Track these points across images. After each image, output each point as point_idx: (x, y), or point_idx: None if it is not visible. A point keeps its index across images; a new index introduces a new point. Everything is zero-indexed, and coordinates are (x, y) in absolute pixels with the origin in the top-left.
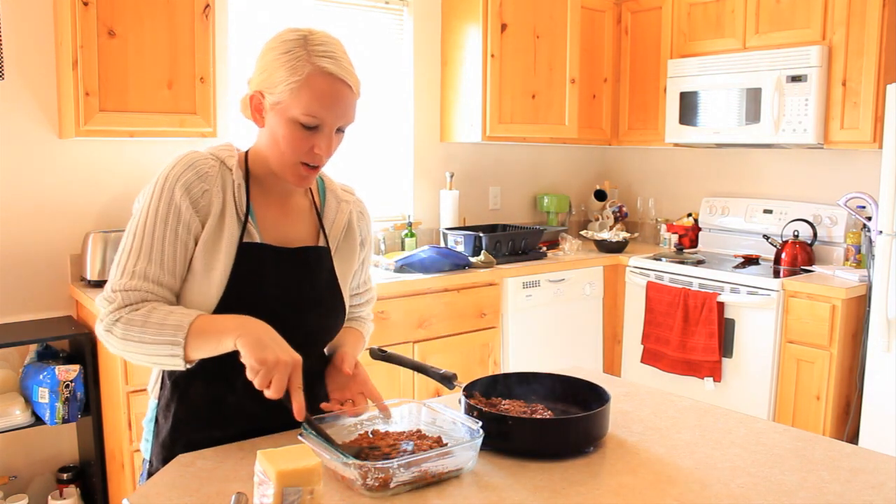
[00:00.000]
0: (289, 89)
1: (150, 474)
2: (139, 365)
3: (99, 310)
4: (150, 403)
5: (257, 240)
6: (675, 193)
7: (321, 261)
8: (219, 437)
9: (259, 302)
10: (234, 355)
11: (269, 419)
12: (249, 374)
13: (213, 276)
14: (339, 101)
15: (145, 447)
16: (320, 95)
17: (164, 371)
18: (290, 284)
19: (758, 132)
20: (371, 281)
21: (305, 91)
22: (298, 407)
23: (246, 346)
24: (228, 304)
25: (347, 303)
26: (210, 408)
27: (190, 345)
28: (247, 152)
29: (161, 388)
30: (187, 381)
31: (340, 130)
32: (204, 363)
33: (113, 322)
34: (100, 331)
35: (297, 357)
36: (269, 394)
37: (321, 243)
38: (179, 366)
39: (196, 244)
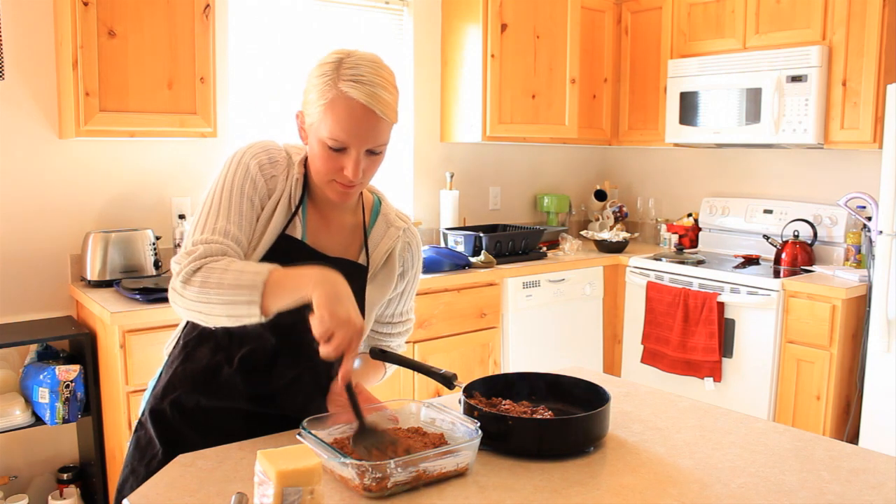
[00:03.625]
0: (318, 111)
1: (138, 425)
2: (214, 322)
3: (174, 268)
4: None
5: (299, 236)
6: (675, 193)
7: (356, 278)
8: (204, 404)
9: None
10: (244, 331)
11: (256, 401)
12: (315, 325)
13: (254, 256)
14: (360, 127)
15: (143, 405)
16: (340, 120)
17: (182, 332)
18: None
19: (758, 132)
20: (412, 313)
21: (329, 115)
22: (345, 372)
23: (322, 296)
24: None
25: (367, 329)
26: (205, 374)
27: (268, 294)
28: (306, 158)
29: (174, 348)
30: (196, 345)
31: (374, 153)
32: (216, 333)
33: (193, 271)
34: (176, 284)
35: (363, 323)
36: (325, 350)
37: (361, 261)
38: (255, 317)
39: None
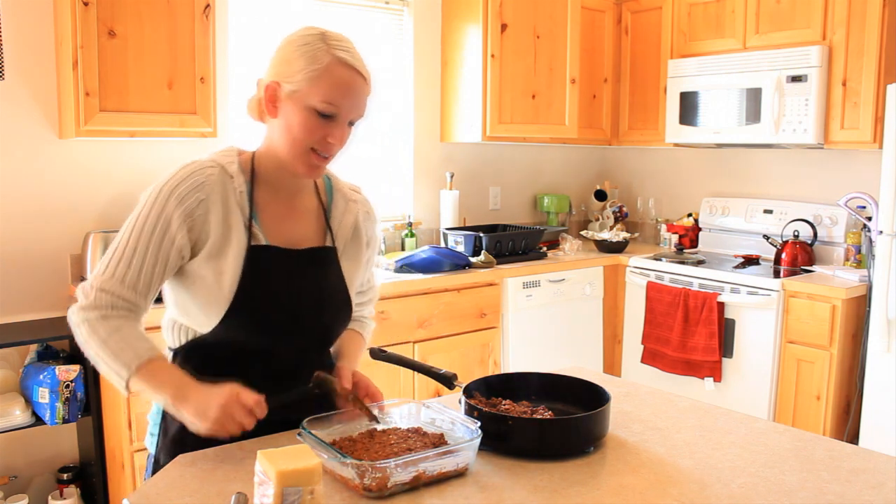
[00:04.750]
0: (307, 77)
1: (156, 472)
2: None
3: (78, 296)
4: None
5: (263, 243)
6: (675, 193)
7: (329, 261)
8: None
9: (269, 304)
10: (247, 350)
11: (278, 414)
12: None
13: (224, 280)
14: (355, 92)
15: (151, 442)
16: (339, 84)
17: (180, 355)
18: (298, 285)
19: (758, 132)
20: (374, 280)
21: (325, 79)
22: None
23: (191, 413)
24: (239, 307)
25: (354, 303)
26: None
27: (134, 381)
28: (254, 153)
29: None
30: (199, 377)
31: (351, 124)
32: (215, 358)
33: (82, 321)
34: (71, 318)
35: (231, 392)
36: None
37: (328, 243)
38: (123, 389)
39: (183, 257)
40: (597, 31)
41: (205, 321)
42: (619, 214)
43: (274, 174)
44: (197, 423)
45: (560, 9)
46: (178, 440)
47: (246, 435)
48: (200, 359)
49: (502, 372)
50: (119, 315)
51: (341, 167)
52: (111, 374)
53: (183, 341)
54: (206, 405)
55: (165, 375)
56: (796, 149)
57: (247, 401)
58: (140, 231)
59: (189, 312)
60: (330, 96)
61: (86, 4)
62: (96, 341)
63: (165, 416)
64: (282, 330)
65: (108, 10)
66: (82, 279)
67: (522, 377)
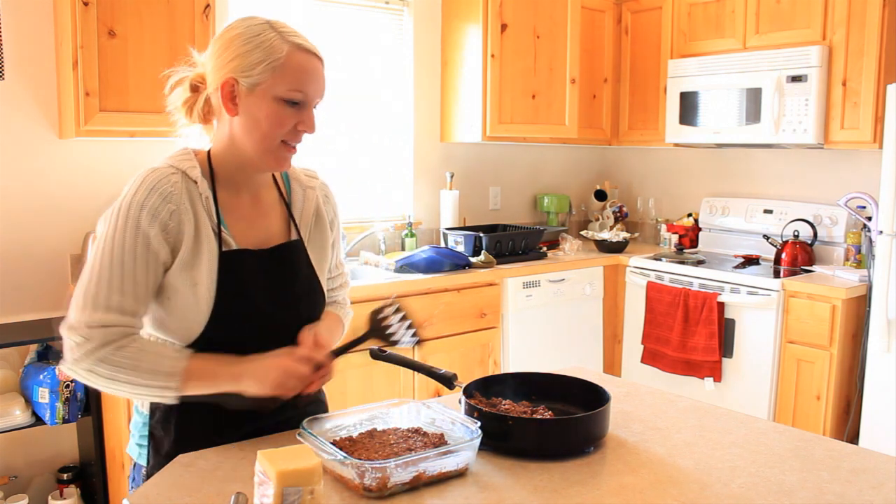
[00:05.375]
0: (270, 68)
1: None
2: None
3: (69, 345)
4: (137, 409)
5: (234, 247)
6: (675, 193)
7: (298, 255)
8: (223, 442)
9: (247, 308)
10: (231, 354)
11: (271, 417)
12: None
13: (199, 290)
14: (317, 75)
15: (138, 453)
16: (302, 70)
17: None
18: (272, 285)
19: (758, 132)
20: (343, 265)
21: (288, 68)
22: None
23: (258, 387)
24: (219, 315)
25: (326, 291)
26: (214, 415)
27: (184, 390)
28: (209, 153)
29: (155, 411)
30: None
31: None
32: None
33: (96, 362)
34: (76, 370)
35: (295, 362)
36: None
37: (293, 236)
38: (169, 399)
39: (166, 269)
40: (597, 31)
41: (185, 334)
42: (619, 214)
43: (234, 174)
44: (261, 392)
45: (560, 9)
46: (171, 456)
47: (245, 435)
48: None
49: (502, 372)
50: (132, 339)
51: (340, 168)
52: (155, 393)
53: None
54: (263, 375)
55: (210, 367)
56: (796, 149)
57: (301, 354)
58: (120, 253)
59: (167, 327)
60: (296, 83)
61: (86, 4)
62: (126, 372)
63: (153, 433)
64: (263, 331)
65: (108, 10)
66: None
67: (522, 377)
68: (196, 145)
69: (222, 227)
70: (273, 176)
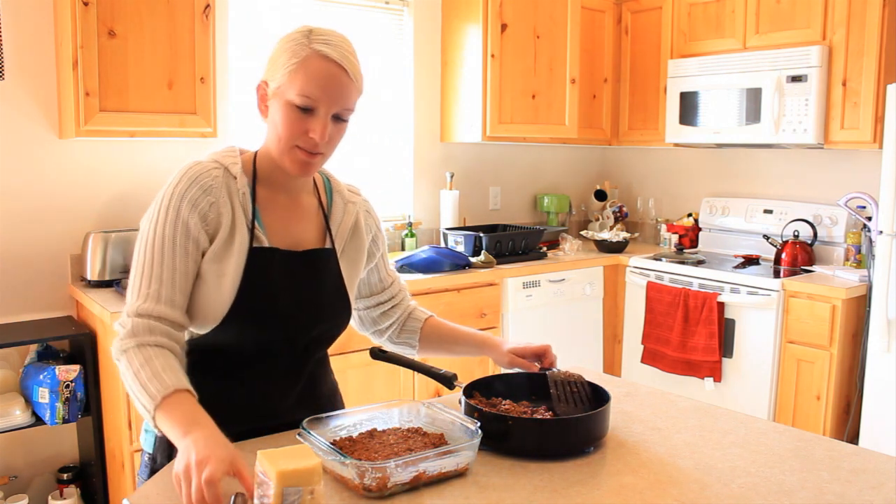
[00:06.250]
0: (287, 72)
1: (153, 471)
2: None
3: (117, 329)
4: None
5: (266, 244)
6: (675, 193)
7: (327, 263)
8: (227, 433)
9: (269, 307)
10: (241, 355)
11: (276, 415)
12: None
13: (224, 282)
14: (333, 84)
15: (146, 440)
16: (314, 76)
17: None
18: (298, 288)
19: (758, 132)
20: (395, 274)
21: (301, 72)
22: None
23: (182, 463)
24: (239, 309)
25: (353, 306)
26: (220, 404)
27: (159, 414)
28: (255, 153)
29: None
30: (196, 378)
31: (340, 120)
32: (212, 359)
33: (122, 352)
34: (113, 352)
35: (233, 452)
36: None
37: (328, 245)
38: (152, 422)
39: (204, 257)
40: (597, 31)
41: (202, 323)
42: (619, 214)
43: (273, 174)
44: (181, 460)
45: (560, 9)
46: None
47: (245, 435)
48: (196, 361)
49: (502, 372)
50: (156, 342)
51: (341, 168)
52: (141, 409)
53: None
54: (192, 449)
55: (183, 409)
56: (796, 149)
57: (208, 476)
58: (161, 244)
59: (188, 312)
60: (305, 89)
61: (86, 4)
62: (130, 374)
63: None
64: (280, 333)
65: (108, 10)
66: (82, 279)
67: (522, 377)
68: (248, 145)
69: (256, 224)
70: (315, 184)
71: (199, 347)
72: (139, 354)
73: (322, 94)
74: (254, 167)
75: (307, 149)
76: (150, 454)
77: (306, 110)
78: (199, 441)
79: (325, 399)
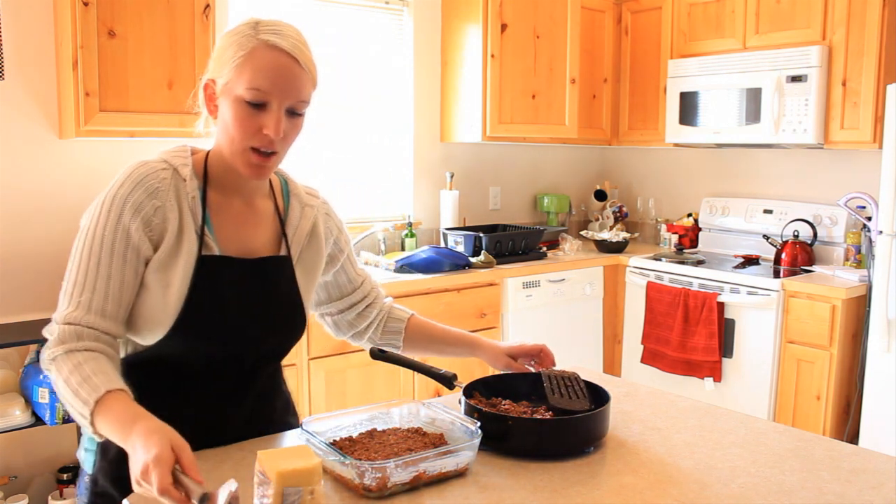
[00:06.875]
0: (234, 66)
1: (95, 494)
2: None
3: (46, 336)
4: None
5: (216, 252)
6: (675, 193)
7: (282, 272)
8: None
9: (217, 319)
10: (189, 369)
11: (224, 433)
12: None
13: (170, 292)
14: (284, 75)
15: (86, 459)
16: (263, 67)
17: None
18: (249, 299)
19: (758, 132)
20: (364, 273)
21: (249, 64)
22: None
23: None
24: (186, 322)
25: (326, 312)
26: (170, 420)
27: (96, 418)
28: (208, 153)
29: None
30: (140, 395)
31: (295, 114)
32: (156, 373)
33: (50, 361)
34: (42, 361)
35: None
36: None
37: (282, 252)
38: (91, 430)
39: (147, 265)
40: (597, 31)
41: (146, 335)
42: (619, 214)
43: (226, 176)
44: (135, 458)
45: (560, 9)
46: (116, 462)
47: (245, 435)
48: (142, 374)
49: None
50: (85, 346)
51: (341, 168)
52: (78, 417)
53: (122, 354)
54: (149, 441)
55: (121, 408)
56: (796, 149)
57: (158, 487)
58: (99, 249)
59: (131, 324)
60: (255, 81)
61: (86, 4)
62: (61, 382)
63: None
64: (230, 347)
65: (108, 10)
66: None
67: (522, 377)
68: (201, 144)
69: (206, 230)
70: (271, 187)
71: (143, 360)
72: (68, 361)
73: (273, 86)
74: (205, 169)
75: (261, 148)
76: (90, 475)
77: (258, 105)
78: (137, 442)
79: (277, 414)
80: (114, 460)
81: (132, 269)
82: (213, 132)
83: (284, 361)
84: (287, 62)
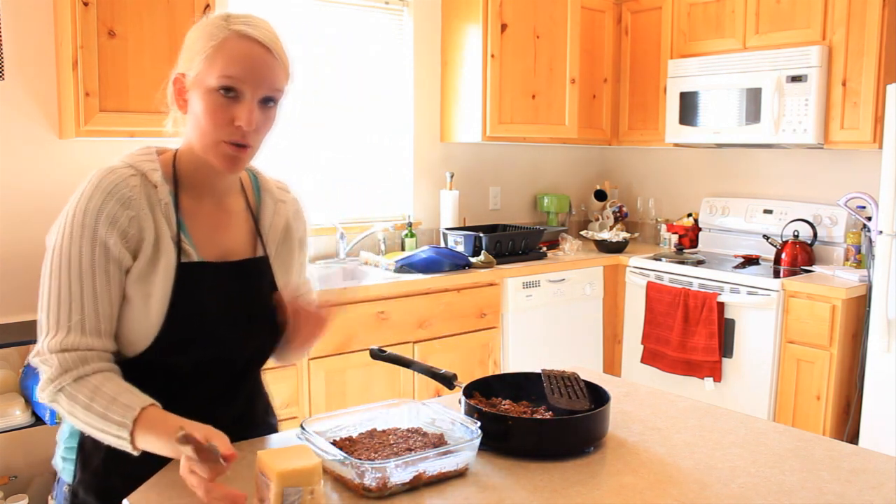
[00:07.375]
0: (205, 57)
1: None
2: None
3: (39, 369)
4: (68, 421)
5: (194, 258)
6: (675, 193)
7: (262, 273)
8: (163, 462)
9: (201, 325)
10: (179, 370)
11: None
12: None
13: (152, 303)
14: (256, 64)
15: (65, 469)
16: (236, 57)
17: None
18: (231, 302)
19: (758, 132)
20: (310, 283)
21: (221, 54)
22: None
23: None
24: (170, 331)
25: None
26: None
27: (138, 433)
28: (175, 153)
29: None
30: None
31: (268, 103)
32: (142, 381)
33: (56, 392)
34: (42, 397)
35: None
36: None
37: (259, 252)
38: (129, 449)
39: (127, 277)
40: (597, 31)
41: (130, 347)
42: (619, 214)
43: (196, 176)
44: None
45: (560, 9)
46: (100, 473)
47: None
48: (131, 377)
49: (502, 372)
50: (95, 369)
51: (341, 169)
52: (111, 439)
53: None
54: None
55: (159, 426)
56: (796, 149)
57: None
58: (79, 268)
59: (115, 336)
60: (227, 71)
61: (86, 4)
62: (81, 410)
63: (84, 445)
64: (216, 353)
65: (108, 10)
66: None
67: (522, 377)
68: (166, 144)
69: (182, 236)
70: (242, 184)
71: (131, 364)
72: (82, 388)
73: (245, 74)
74: (174, 170)
75: (234, 141)
76: (69, 485)
77: (230, 95)
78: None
79: (259, 418)
80: (96, 472)
81: (116, 283)
82: (182, 132)
83: (285, 362)
84: (260, 51)
